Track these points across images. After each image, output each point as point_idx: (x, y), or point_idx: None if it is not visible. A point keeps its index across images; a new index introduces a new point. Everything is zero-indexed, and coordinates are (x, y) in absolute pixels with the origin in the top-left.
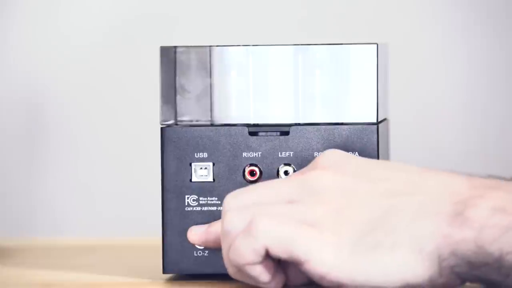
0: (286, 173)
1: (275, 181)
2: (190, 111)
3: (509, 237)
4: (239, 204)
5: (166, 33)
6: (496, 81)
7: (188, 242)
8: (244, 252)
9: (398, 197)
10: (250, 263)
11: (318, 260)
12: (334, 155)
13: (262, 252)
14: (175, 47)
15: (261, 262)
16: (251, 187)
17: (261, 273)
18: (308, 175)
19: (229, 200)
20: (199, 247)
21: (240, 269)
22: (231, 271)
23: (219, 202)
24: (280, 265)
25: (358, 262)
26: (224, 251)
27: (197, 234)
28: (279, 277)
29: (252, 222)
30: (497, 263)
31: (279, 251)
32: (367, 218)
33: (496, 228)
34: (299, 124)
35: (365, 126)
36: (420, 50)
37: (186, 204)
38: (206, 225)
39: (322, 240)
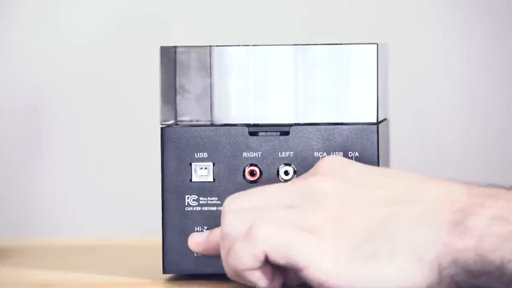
0: (286, 173)
1: (275, 185)
2: (190, 111)
3: (510, 245)
4: (239, 207)
5: (166, 33)
6: (496, 81)
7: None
8: (243, 257)
9: (398, 205)
10: (249, 269)
11: (317, 266)
12: (335, 160)
13: (261, 258)
14: (175, 47)
15: (259, 268)
16: (251, 190)
17: (260, 279)
18: (308, 180)
19: (229, 203)
20: (198, 254)
21: (238, 273)
22: (229, 273)
23: (219, 202)
24: (279, 269)
25: (356, 269)
26: (223, 254)
27: (197, 243)
28: (277, 282)
29: (251, 228)
30: (499, 271)
31: (278, 257)
32: (366, 226)
33: (496, 236)
34: (299, 124)
35: (365, 126)
36: (420, 50)
37: (186, 204)
38: (206, 233)
39: (321, 246)
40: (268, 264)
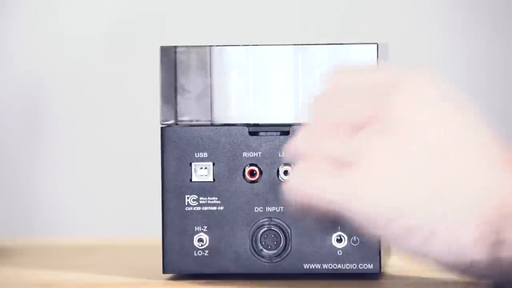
0: (286, 173)
1: (343, 130)
2: (190, 111)
3: None
4: (309, 148)
5: (166, 33)
6: (496, 81)
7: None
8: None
9: (442, 194)
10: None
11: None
12: (411, 101)
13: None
14: (175, 47)
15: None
16: (325, 133)
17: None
18: (371, 139)
19: (305, 145)
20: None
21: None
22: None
23: (219, 202)
24: None
25: None
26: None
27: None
28: None
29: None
30: None
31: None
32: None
33: None
34: (299, 124)
35: None
36: (420, 50)
37: (186, 204)
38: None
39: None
40: None
